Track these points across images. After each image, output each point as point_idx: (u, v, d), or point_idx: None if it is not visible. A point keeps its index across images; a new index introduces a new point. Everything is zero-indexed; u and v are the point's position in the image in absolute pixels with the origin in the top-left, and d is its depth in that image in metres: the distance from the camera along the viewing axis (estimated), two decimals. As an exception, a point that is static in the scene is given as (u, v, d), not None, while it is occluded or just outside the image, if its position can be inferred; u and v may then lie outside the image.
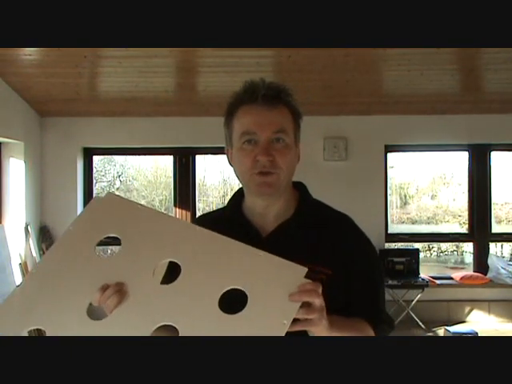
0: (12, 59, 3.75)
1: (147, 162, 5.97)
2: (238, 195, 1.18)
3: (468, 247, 5.68)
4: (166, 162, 5.53)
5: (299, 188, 1.17)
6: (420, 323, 4.52)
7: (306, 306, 0.83)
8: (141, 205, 0.96)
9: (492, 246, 5.17)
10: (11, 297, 0.91)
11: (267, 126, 1.04)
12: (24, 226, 4.39)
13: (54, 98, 4.42)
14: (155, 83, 4.21)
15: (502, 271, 4.71)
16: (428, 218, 6.00)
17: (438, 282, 4.72)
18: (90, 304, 0.86)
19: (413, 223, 6.01)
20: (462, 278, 4.75)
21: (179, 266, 0.90)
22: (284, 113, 1.07)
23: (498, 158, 5.14)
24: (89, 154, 5.00)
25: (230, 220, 1.14)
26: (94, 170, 5.19)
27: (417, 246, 5.11)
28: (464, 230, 5.30)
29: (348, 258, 1.08)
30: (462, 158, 5.18)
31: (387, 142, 4.89)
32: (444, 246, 6.11)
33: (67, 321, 0.85)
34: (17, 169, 4.39)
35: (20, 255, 4.27)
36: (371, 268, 1.12)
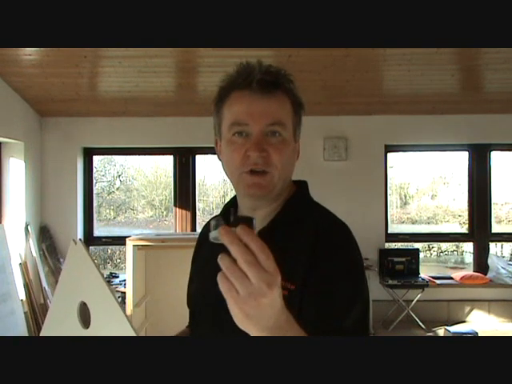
0: (12, 59, 3.75)
1: (147, 161, 5.97)
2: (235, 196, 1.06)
3: (468, 247, 5.68)
4: (166, 162, 5.53)
5: (298, 187, 1.03)
6: (420, 323, 4.52)
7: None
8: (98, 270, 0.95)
9: (492, 245, 5.17)
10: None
11: (261, 116, 0.90)
12: (24, 225, 4.39)
13: (54, 98, 4.42)
14: (155, 83, 4.22)
15: (502, 271, 4.71)
16: (428, 218, 6.00)
17: (437, 281, 4.73)
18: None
19: (413, 223, 6.01)
20: (461, 278, 4.75)
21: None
22: (282, 102, 0.93)
23: (498, 158, 5.14)
24: (89, 153, 5.01)
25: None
26: (94, 170, 5.19)
27: (417, 245, 5.11)
28: (464, 230, 5.31)
29: (314, 266, 0.86)
30: (462, 158, 5.18)
31: (387, 141, 4.89)
32: (444, 245, 6.12)
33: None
34: (17, 169, 4.39)
35: (20, 255, 4.26)
36: (336, 279, 0.86)
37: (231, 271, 0.59)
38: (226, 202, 1.12)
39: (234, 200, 1.06)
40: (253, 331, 0.64)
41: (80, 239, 0.91)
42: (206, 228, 1.18)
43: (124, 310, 0.86)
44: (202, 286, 1.04)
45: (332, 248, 0.89)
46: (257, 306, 0.60)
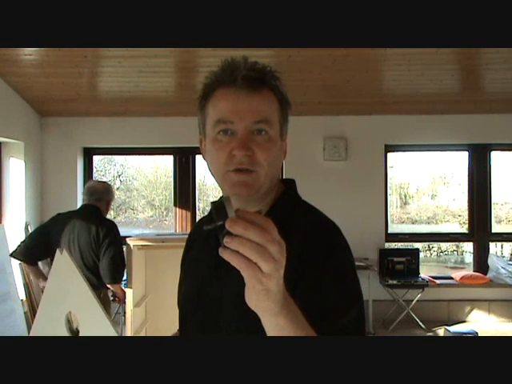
0: (12, 59, 3.75)
1: (147, 162, 5.97)
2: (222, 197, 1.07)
3: (468, 247, 5.68)
4: (166, 162, 5.53)
5: (286, 185, 1.00)
6: (420, 323, 4.52)
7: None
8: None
9: (492, 245, 5.17)
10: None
11: (247, 113, 0.87)
12: (24, 225, 4.39)
13: (54, 98, 4.43)
14: (155, 83, 4.22)
15: (502, 271, 4.71)
16: (428, 217, 6.00)
17: (437, 281, 4.73)
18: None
19: (413, 223, 6.01)
20: (461, 278, 4.75)
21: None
22: (269, 99, 0.90)
23: (498, 158, 5.15)
24: (89, 153, 5.01)
25: (209, 223, 1.05)
26: (94, 170, 5.20)
27: (417, 245, 5.11)
28: (464, 229, 5.31)
29: (304, 271, 0.83)
30: (461, 158, 5.18)
31: (387, 141, 4.89)
32: (444, 245, 6.12)
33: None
34: (17, 169, 4.39)
35: (20, 255, 4.26)
36: (330, 281, 0.84)
37: (259, 251, 0.59)
38: None
39: (220, 201, 1.05)
40: (271, 306, 0.64)
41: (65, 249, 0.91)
42: (196, 229, 1.18)
43: (110, 318, 0.86)
44: (194, 287, 1.03)
45: (323, 251, 0.87)
46: (279, 279, 0.62)
